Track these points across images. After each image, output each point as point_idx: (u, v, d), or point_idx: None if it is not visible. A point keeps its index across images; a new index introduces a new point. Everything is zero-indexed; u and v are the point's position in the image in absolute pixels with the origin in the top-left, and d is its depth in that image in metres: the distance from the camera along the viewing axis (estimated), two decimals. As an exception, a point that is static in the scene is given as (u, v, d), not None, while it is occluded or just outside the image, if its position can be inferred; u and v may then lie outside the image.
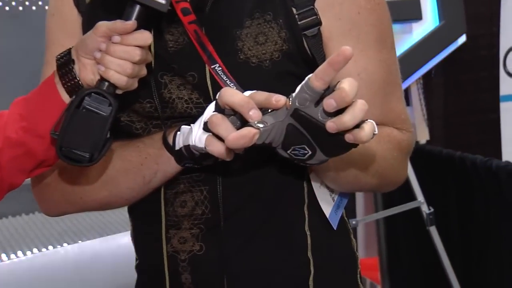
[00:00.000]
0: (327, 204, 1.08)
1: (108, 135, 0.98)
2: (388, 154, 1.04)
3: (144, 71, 0.99)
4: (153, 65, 1.04)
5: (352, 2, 1.02)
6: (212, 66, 1.00)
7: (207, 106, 0.96)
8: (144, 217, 1.13)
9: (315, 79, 0.82)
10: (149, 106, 1.05)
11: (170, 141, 1.02)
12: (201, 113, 0.98)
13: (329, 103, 0.81)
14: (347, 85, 0.81)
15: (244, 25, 1.01)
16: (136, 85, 0.99)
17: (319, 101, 0.83)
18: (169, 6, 0.95)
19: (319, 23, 1.01)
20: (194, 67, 1.02)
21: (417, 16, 2.72)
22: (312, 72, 0.95)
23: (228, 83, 1.00)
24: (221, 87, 1.00)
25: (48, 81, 1.01)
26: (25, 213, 2.67)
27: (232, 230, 1.06)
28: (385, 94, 1.06)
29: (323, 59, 1.03)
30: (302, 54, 1.02)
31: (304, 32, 1.01)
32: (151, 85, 1.04)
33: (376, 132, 0.85)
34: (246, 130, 0.84)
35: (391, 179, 1.09)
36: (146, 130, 1.07)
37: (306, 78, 0.83)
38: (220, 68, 1.00)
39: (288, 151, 0.87)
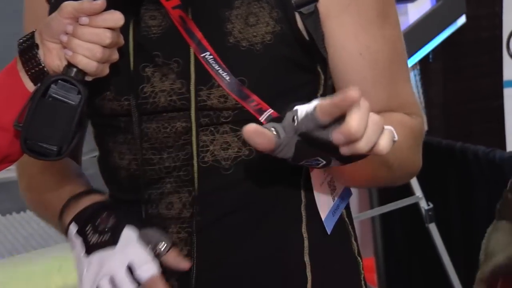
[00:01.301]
0: (325, 205, 1.07)
1: (78, 126, 0.96)
2: (403, 144, 1.02)
3: (115, 56, 0.98)
4: (132, 58, 1.02)
5: None
6: (202, 55, 0.99)
7: (189, 96, 0.95)
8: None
9: (320, 113, 0.82)
10: (127, 104, 1.04)
11: (66, 222, 1.07)
12: (185, 105, 0.97)
13: (338, 138, 0.82)
14: (355, 122, 0.81)
15: (233, 5, 1.00)
16: (106, 71, 0.98)
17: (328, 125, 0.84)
18: None
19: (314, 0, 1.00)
20: (178, 53, 1.01)
21: (413, -6, 2.73)
22: (308, 56, 0.95)
23: (221, 72, 0.98)
24: (207, 76, 0.99)
25: (10, 68, 0.99)
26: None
27: (224, 233, 1.05)
28: (391, 75, 1.05)
29: (323, 39, 1.02)
30: (297, 35, 1.00)
31: (300, 10, 1.00)
32: (132, 80, 1.02)
33: (396, 139, 0.87)
34: (267, 130, 0.86)
35: (407, 169, 1.09)
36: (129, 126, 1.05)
37: (312, 107, 0.83)
38: (211, 57, 0.99)
39: (300, 163, 0.89)
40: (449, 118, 3.26)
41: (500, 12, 2.88)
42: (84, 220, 1.07)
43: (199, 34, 0.99)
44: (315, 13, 1.00)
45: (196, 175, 1.03)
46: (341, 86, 1.04)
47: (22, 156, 1.03)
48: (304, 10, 1.00)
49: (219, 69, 0.99)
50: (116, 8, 0.97)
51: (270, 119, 0.98)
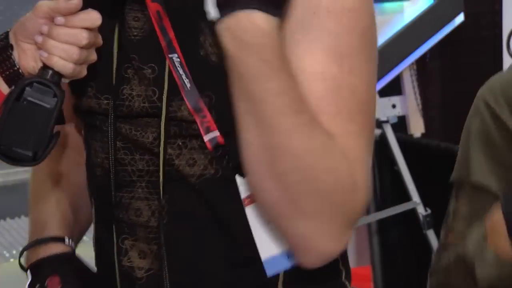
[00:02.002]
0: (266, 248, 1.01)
1: (55, 130, 0.96)
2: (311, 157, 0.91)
3: (93, 56, 0.98)
4: (115, 57, 1.03)
5: (310, 0, 0.94)
6: (169, 55, 0.99)
7: (160, 105, 0.96)
8: (99, 219, 1.13)
9: None
10: (105, 103, 1.04)
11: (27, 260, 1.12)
12: (157, 113, 0.98)
13: None
14: None
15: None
16: (84, 72, 0.98)
17: None
18: None
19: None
20: (154, 59, 1.01)
21: (408, -7, 2.74)
22: None
23: (184, 78, 0.99)
24: (176, 84, 0.99)
25: None
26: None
27: (193, 246, 1.04)
28: (320, 113, 0.93)
29: None
30: None
31: None
32: (112, 80, 1.03)
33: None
34: None
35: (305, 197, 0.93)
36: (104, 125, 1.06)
37: None
38: (178, 60, 0.99)
39: None
40: (447, 120, 3.27)
41: (500, 10, 2.89)
42: (34, 277, 1.10)
43: (171, 34, 0.99)
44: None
45: (161, 185, 1.03)
46: None
47: (-4, 161, 1.03)
48: None
49: (182, 74, 0.99)
50: (102, 6, 0.97)
51: (215, 143, 0.99)
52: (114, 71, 1.03)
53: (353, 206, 0.94)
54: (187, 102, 0.98)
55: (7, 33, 0.99)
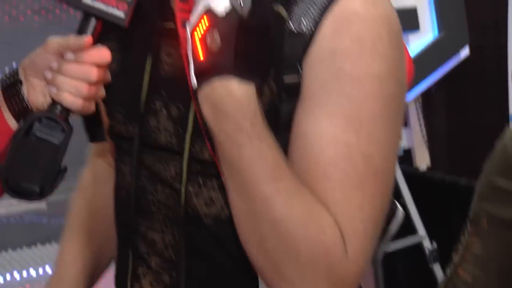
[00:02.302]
0: None
1: (62, 165, 0.97)
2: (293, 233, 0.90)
3: (102, 92, 0.99)
4: (146, 87, 1.03)
5: (334, 65, 0.93)
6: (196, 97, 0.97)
7: (183, 145, 0.97)
8: (119, 239, 1.14)
9: None
10: (132, 131, 1.05)
11: None
12: (180, 151, 0.98)
13: None
14: None
15: None
16: (93, 108, 0.99)
17: None
18: (128, 19, 0.95)
19: (299, 84, 0.94)
20: (180, 98, 1.00)
21: (414, 26, 2.75)
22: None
23: None
24: (201, 127, 0.96)
25: None
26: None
27: (209, 282, 1.04)
28: (325, 178, 0.93)
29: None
30: (277, 114, 0.96)
31: (284, 91, 0.96)
32: (140, 109, 1.03)
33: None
34: None
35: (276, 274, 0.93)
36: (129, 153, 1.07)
37: None
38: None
39: None
40: (453, 152, 3.27)
41: (505, 43, 2.90)
42: None
43: None
44: (294, 98, 0.95)
45: (181, 220, 1.03)
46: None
47: (2, 195, 1.03)
48: (286, 91, 0.96)
49: None
50: (139, 35, 0.99)
51: None
52: (143, 101, 1.03)
53: (341, 275, 0.92)
54: (209, 146, 0.97)
55: (16, 69, 1.00)
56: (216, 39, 0.89)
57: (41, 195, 0.97)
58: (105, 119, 1.10)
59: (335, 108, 0.92)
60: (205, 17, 0.90)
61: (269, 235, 0.91)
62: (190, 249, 1.03)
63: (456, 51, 2.84)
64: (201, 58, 0.90)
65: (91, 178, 1.26)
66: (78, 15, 1.00)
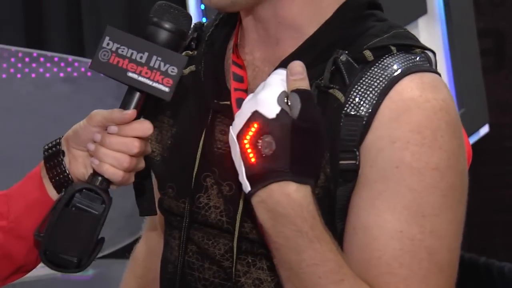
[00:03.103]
0: None
1: (100, 236, 0.98)
2: None
3: (142, 164, 1.00)
4: (197, 164, 1.03)
5: (394, 153, 0.92)
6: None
7: (234, 223, 0.97)
8: None
9: None
10: (182, 207, 1.06)
11: None
12: (230, 230, 0.98)
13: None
14: None
15: None
16: (132, 179, 0.99)
17: None
18: (172, 94, 0.96)
19: (357, 169, 0.94)
20: (233, 176, 0.98)
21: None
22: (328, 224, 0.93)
23: None
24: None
25: (34, 175, 1.02)
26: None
27: None
28: (388, 273, 0.92)
29: (342, 208, 0.97)
30: (332, 198, 0.97)
31: (341, 175, 0.95)
32: (191, 185, 1.04)
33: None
34: None
35: None
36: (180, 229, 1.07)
37: None
38: None
39: None
40: (471, 230, 3.26)
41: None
42: None
43: None
44: (352, 182, 0.95)
45: None
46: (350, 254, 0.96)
47: (37, 265, 1.04)
48: (344, 175, 0.96)
49: None
50: (197, 111, 1.01)
51: None
52: (193, 178, 1.04)
53: None
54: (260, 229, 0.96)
55: (59, 140, 1.02)
56: (269, 143, 0.89)
57: (78, 267, 0.97)
58: (156, 193, 1.11)
59: (396, 200, 0.92)
60: (254, 121, 0.90)
61: None
62: None
63: (476, 129, 2.86)
64: (252, 161, 0.90)
65: (144, 252, 1.25)
66: (103, 83, 1.01)
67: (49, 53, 2.44)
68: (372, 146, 0.94)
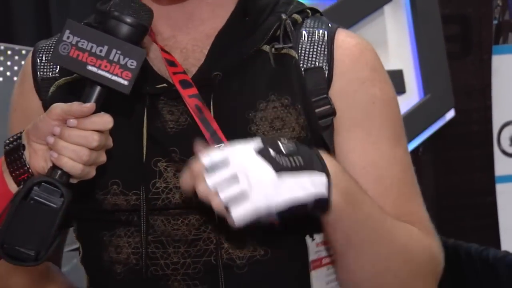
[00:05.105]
0: None
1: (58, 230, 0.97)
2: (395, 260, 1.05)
3: (103, 158, 0.99)
4: (145, 151, 1.04)
5: (367, 92, 1.07)
6: (216, 146, 1.00)
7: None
8: None
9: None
10: (134, 199, 1.05)
11: None
12: (202, 204, 0.97)
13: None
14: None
15: (258, 107, 1.04)
16: (93, 173, 0.99)
17: None
18: (131, 87, 0.97)
19: (333, 113, 1.06)
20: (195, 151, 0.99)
21: (400, 89, 2.79)
22: None
23: None
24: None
25: None
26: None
27: None
28: (400, 194, 1.07)
29: (333, 152, 1.06)
30: (317, 143, 1.05)
31: (319, 121, 1.06)
32: (141, 175, 1.04)
33: None
34: None
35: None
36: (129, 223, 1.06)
37: None
38: None
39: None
40: (440, 213, 3.29)
41: (490, 106, 2.95)
42: None
43: (215, 125, 1.02)
44: (331, 126, 1.06)
45: (209, 274, 1.03)
46: None
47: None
48: (322, 122, 1.06)
49: None
50: (126, 101, 1.00)
51: None
52: (143, 165, 1.04)
53: (439, 263, 1.10)
54: None
55: (20, 134, 1.01)
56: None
57: (36, 260, 0.97)
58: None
59: (384, 131, 1.07)
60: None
61: (395, 259, 1.04)
62: None
63: (442, 113, 2.89)
64: None
65: None
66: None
67: (16, 46, 2.43)
68: (345, 90, 1.07)
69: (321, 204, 0.96)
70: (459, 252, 2.62)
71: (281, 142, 0.95)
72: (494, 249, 2.57)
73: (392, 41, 2.87)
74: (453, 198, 3.32)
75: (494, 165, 2.90)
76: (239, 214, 0.92)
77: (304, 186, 0.93)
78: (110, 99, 1.00)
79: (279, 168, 0.93)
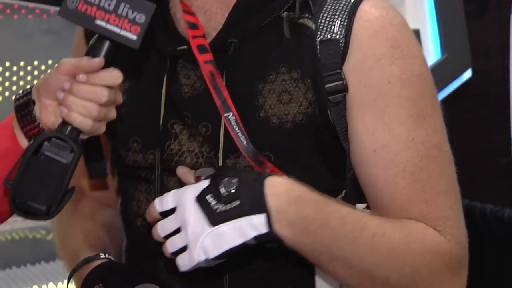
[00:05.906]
0: None
1: (69, 186, 0.97)
2: (410, 260, 1.00)
3: (113, 114, 0.99)
4: (162, 112, 1.05)
5: (383, 69, 1.00)
6: (225, 114, 1.01)
7: (215, 161, 1.00)
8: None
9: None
10: (152, 158, 1.06)
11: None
12: (211, 164, 1.00)
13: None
14: None
15: (267, 79, 1.03)
16: (103, 129, 0.99)
17: None
18: (140, 42, 0.96)
19: (345, 89, 1.01)
20: (208, 117, 1.03)
21: (417, 48, 2.78)
22: (335, 141, 1.00)
23: (240, 135, 1.00)
24: (233, 142, 1.00)
25: (5, 124, 1.01)
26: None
27: None
28: (413, 180, 1.00)
29: (345, 130, 1.02)
30: (326, 120, 1.02)
31: (329, 97, 1.01)
32: (159, 135, 1.05)
33: None
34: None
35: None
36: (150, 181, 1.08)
37: None
38: (233, 118, 1.01)
39: None
40: (456, 173, 3.28)
41: (508, 66, 2.92)
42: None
43: (225, 93, 1.01)
44: (342, 103, 1.01)
45: None
46: (358, 178, 1.04)
47: (12, 215, 1.04)
48: (332, 98, 1.01)
49: (238, 132, 1.01)
50: (150, 61, 1.00)
51: None
52: (161, 126, 1.05)
53: (454, 259, 1.02)
54: (247, 157, 1.00)
55: (30, 89, 1.01)
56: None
57: (47, 214, 0.97)
58: (106, 154, 1.11)
59: (400, 112, 1.00)
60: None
61: (385, 266, 1.00)
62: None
63: (459, 74, 2.86)
64: None
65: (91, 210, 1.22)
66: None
67: (30, 4, 2.42)
68: (359, 66, 1.01)
69: (265, 240, 0.96)
70: (474, 212, 2.62)
71: (223, 184, 0.96)
72: (509, 209, 2.56)
73: (409, 0, 2.84)
74: (469, 159, 3.31)
75: (511, 126, 2.88)
76: (183, 263, 0.97)
77: (242, 231, 0.95)
78: (134, 58, 1.00)
79: (216, 220, 0.95)
